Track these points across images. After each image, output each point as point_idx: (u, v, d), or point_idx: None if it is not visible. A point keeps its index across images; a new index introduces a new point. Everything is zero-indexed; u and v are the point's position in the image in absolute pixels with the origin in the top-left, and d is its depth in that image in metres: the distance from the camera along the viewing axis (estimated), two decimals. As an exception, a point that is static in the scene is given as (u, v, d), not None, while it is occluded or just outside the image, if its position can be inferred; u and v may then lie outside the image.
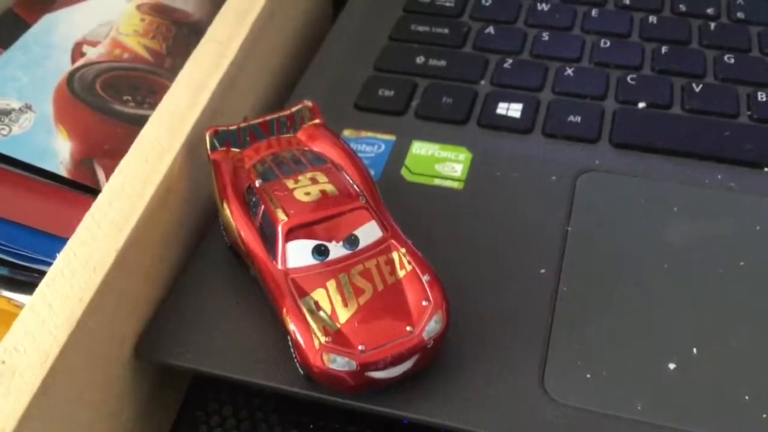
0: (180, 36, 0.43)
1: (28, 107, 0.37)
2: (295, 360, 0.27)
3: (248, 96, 0.38)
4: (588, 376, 0.27)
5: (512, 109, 0.38)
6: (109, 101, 0.38)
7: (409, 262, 0.27)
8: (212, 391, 0.30)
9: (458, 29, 0.43)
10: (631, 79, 0.39)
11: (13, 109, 0.37)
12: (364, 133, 0.37)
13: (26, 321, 0.25)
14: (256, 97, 0.39)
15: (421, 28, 0.43)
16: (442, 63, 0.41)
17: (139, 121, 0.37)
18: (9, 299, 0.33)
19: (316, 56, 0.42)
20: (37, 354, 0.24)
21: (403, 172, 0.35)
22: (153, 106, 0.38)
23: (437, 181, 0.34)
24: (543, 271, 0.30)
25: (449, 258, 0.30)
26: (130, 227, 0.28)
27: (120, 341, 0.28)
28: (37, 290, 0.26)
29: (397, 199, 0.31)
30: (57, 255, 0.29)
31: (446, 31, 0.43)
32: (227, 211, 0.30)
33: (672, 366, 0.27)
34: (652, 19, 0.43)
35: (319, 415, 0.29)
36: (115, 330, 0.28)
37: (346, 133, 0.37)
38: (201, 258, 0.32)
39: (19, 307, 0.32)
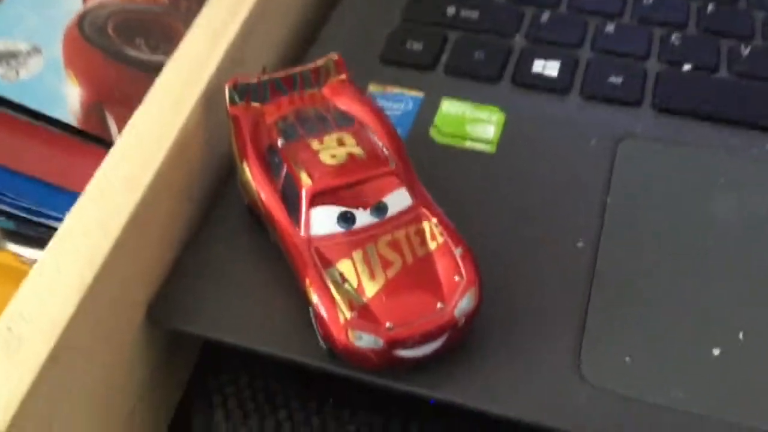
0: (197, -23, 0.41)
1: (37, 50, 0.35)
2: (317, 333, 0.26)
3: (267, 45, 0.36)
4: (626, 359, 0.25)
5: (549, 67, 0.36)
6: (121, 45, 0.36)
7: (440, 234, 0.26)
8: (226, 358, 0.29)
9: (492, -22, 0.41)
10: (676, 38, 0.37)
11: (21, 52, 0.35)
12: (390, 89, 0.35)
13: (33, 285, 0.24)
14: (274, 47, 0.37)
15: (452, -24, 0.41)
16: (475, 15, 0.38)
17: (153, 68, 0.35)
18: (15, 254, 0.31)
19: (339, 5, 0.40)
20: (46, 322, 0.23)
21: (432, 132, 0.33)
22: (167, 52, 0.36)
23: (468, 144, 0.32)
24: (580, 244, 0.28)
25: (480, 227, 0.28)
26: (144, 185, 0.26)
27: (132, 305, 0.27)
28: (45, 252, 0.24)
29: (425, 162, 0.29)
30: (65, 209, 0.27)
31: (479, -21, 0.41)
32: (247, 171, 0.28)
33: (716, 352, 0.26)
34: (699, -27, 0.41)
35: (339, 389, 0.28)
36: (126, 294, 0.26)
37: (372, 88, 0.35)
38: (217, 219, 0.30)
39: (26, 263, 0.31)
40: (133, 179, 0.27)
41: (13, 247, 0.32)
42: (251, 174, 0.28)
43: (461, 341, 0.25)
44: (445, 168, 0.31)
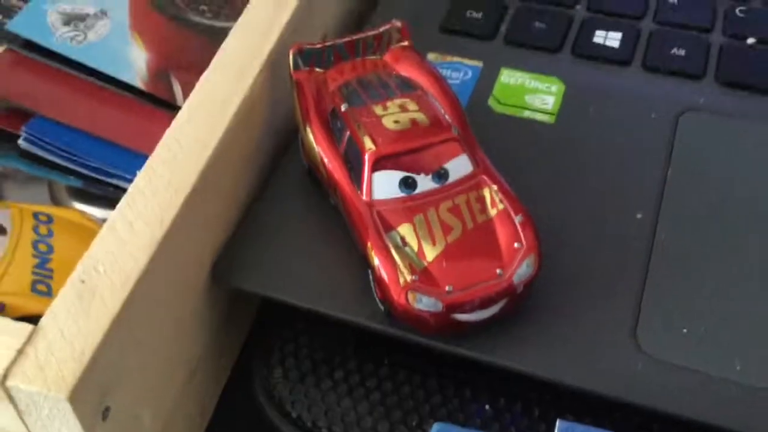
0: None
1: (104, 13, 0.36)
2: (375, 295, 0.26)
3: (328, 13, 0.37)
4: (684, 331, 0.26)
5: (610, 38, 0.35)
6: (185, 10, 0.37)
7: (501, 201, 0.26)
8: (285, 319, 0.30)
9: (553, -52, 0.40)
10: (740, 11, 0.36)
11: (89, 15, 0.35)
12: (449, 58, 0.35)
13: (106, 241, 0.24)
14: (335, 14, 0.37)
15: (512, -55, 0.41)
16: (535, -16, 0.38)
17: (216, 33, 0.35)
18: (82, 212, 0.32)
19: (399, -28, 0.40)
20: (118, 276, 0.23)
21: (491, 102, 0.33)
22: (229, 17, 0.37)
23: (527, 114, 0.32)
24: (639, 216, 0.28)
25: (538, 197, 0.28)
26: (212, 147, 0.27)
27: (197, 264, 0.28)
28: (118, 209, 0.25)
29: (484, 131, 0.29)
30: (131, 170, 0.28)
31: (540, -51, 0.40)
32: (309, 135, 0.28)
33: (775, 326, 0.26)
34: (766, -56, 0.40)
35: (395, 351, 0.28)
36: (193, 252, 0.27)
37: (431, 56, 0.35)
38: (278, 181, 0.31)
39: (92, 220, 0.32)
40: (200, 142, 0.27)
41: (79, 205, 0.33)
42: (314, 138, 0.28)
43: (519, 307, 0.26)
44: (504, 137, 0.31)
